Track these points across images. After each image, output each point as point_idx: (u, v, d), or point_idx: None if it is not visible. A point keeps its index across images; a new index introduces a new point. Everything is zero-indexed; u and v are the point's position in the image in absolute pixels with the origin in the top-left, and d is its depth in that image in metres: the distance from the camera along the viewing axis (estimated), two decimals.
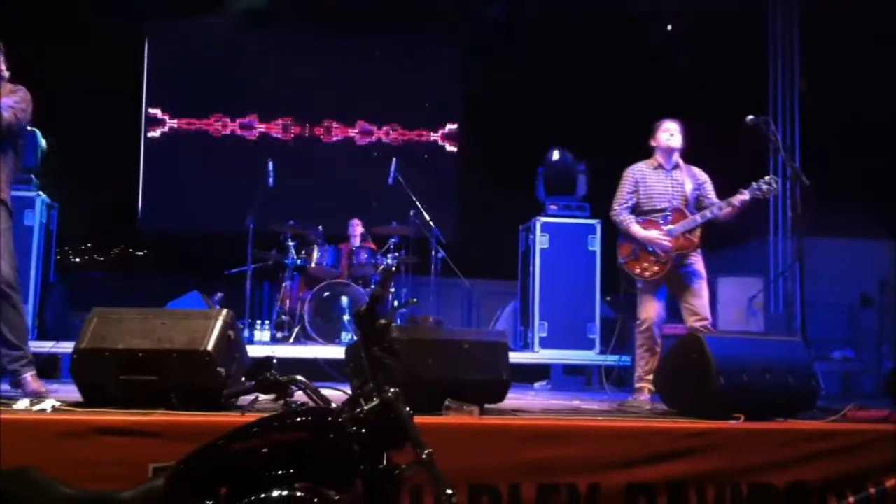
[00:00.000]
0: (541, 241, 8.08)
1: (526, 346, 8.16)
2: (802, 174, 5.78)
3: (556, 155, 8.73)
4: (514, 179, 9.36)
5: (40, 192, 7.52)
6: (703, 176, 6.02)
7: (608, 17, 9.66)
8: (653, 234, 5.80)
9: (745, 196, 5.70)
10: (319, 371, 6.97)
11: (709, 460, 4.18)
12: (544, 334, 7.93)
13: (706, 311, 5.81)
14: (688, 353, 4.94)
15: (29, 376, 4.84)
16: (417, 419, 2.55)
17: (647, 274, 5.81)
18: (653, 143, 6.02)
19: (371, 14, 10.58)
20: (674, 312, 6.13)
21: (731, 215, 5.78)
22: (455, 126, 11.40)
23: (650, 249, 5.80)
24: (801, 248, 5.85)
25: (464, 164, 11.28)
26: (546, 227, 8.11)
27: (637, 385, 5.81)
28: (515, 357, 6.38)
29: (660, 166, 5.95)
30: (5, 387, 4.88)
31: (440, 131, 11.41)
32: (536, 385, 7.83)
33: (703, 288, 5.82)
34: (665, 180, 5.92)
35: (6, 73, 5.10)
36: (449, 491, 2.44)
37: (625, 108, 8.80)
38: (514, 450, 3.98)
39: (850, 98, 8.75)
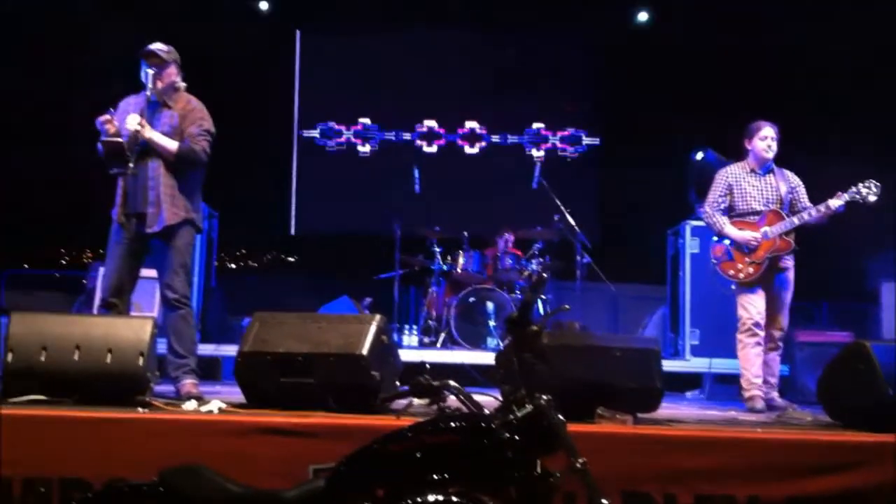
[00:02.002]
0: (691, 245, 7.86)
1: (676, 353, 7.95)
2: None
3: (699, 155, 8.52)
4: (659, 181, 9.16)
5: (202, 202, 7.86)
6: (796, 179, 5.92)
7: (753, 18, 9.33)
8: (747, 234, 5.72)
9: (841, 200, 5.57)
10: (466, 375, 7.02)
11: (875, 474, 3.97)
12: (696, 342, 7.69)
13: (786, 321, 5.82)
14: (852, 363, 4.71)
15: (188, 382, 5.02)
16: (570, 427, 2.53)
17: (741, 275, 5.74)
18: (748, 146, 5.93)
19: (510, 16, 10.61)
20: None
21: (825, 218, 5.66)
22: (598, 131, 11.27)
23: (745, 250, 5.70)
24: None
25: (607, 165, 11.12)
26: (696, 231, 7.86)
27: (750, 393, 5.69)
28: (666, 365, 6.21)
29: (753, 171, 5.88)
30: (170, 387, 5.13)
31: (583, 134, 11.30)
32: (689, 394, 7.62)
33: (789, 297, 5.81)
34: (759, 184, 5.85)
35: (182, 84, 5.23)
36: (604, 501, 2.42)
37: (777, 107, 8.44)
38: (670, 459, 3.90)
39: None
